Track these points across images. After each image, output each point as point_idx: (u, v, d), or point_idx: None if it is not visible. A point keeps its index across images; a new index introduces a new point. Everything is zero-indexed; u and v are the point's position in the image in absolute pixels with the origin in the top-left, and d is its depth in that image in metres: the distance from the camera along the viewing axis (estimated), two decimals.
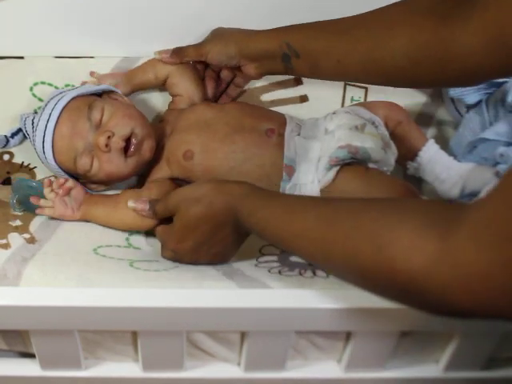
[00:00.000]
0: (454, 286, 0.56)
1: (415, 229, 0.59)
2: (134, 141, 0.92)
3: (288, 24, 0.94)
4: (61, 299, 0.77)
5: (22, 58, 1.13)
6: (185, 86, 1.03)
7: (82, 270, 0.84)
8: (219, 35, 0.99)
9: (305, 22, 0.93)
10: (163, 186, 0.94)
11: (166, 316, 0.79)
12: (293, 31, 0.92)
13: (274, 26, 1.07)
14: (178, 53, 1.01)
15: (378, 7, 0.86)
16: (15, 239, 0.90)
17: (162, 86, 1.06)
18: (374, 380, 0.92)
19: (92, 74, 1.07)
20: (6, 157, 1.03)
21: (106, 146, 0.90)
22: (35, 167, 1.01)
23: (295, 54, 0.91)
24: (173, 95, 1.04)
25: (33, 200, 0.93)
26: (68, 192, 0.93)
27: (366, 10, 0.88)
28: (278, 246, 0.81)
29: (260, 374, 0.90)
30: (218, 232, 0.83)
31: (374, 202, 0.69)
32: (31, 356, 0.89)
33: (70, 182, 0.93)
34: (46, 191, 0.93)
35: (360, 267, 0.64)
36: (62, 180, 0.93)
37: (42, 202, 0.93)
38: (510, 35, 0.68)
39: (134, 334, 0.85)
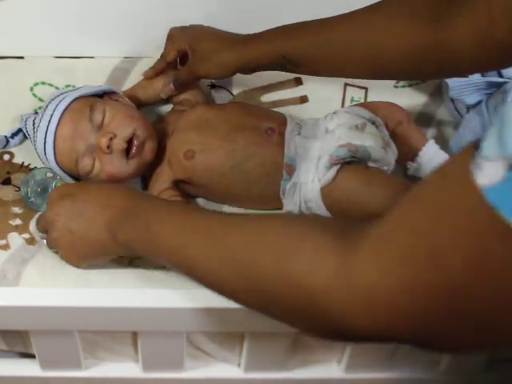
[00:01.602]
0: (350, 304, 0.53)
1: (317, 242, 0.56)
2: (135, 142, 0.92)
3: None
4: (60, 299, 0.77)
5: (22, 57, 1.13)
6: (191, 92, 1.03)
7: (82, 270, 0.84)
8: (210, 52, 0.97)
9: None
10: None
11: (166, 316, 0.79)
12: (288, 41, 0.91)
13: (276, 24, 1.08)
14: (179, 84, 1.01)
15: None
16: (15, 240, 0.90)
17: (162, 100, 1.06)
18: (374, 380, 0.92)
19: None
20: (6, 157, 1.02)
21: (108, 147, 0.90)
22: (35, 167, 1.01)
23: (293, 64, 0.91)
24: (177, 102, 1.04)
25: None
26: None
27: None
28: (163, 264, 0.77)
29: (260, 375, 0.90)
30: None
31: (275, 215, 0.67)
32: (31, 356, 0.89)
33: None
34: None
35: (255, 278, 0.60)
36: None
37: None
38: (500, 30, 0.69)
39: (134, 335, 0.85)
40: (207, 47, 0.97)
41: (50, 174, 0.97)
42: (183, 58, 1.03)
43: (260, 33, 0.94)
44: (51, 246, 0.85)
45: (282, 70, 0.95)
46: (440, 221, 0.49)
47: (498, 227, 0.44)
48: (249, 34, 0.96)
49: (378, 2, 0.85)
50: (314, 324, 0.58)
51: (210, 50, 0.97)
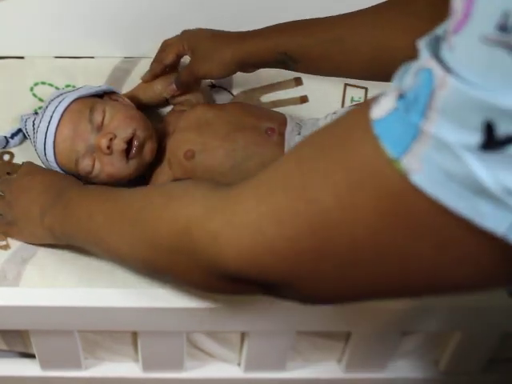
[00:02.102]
0: (223, 236, 0.52)
1: (206, 187, 0.59)
2: (135, 143, 0.92)
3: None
4: (60, 299, 0.77)
5: (22, 58, 1.13)
6: (189, 93, 1.03)
7: (82, 270, 0.84)
8: (209, 51, 0.97)
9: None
10: None
11: (166, 316, 0.79)
12: (288, 37, 0.91)
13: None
14: (181, 84, 1.01)
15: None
16: (15, 240, 0.90)
17: (164, 101, 1.06)
18: (374, 380, 0.92)
19: None
20: (6, 157, 1.02)
21: (108, 148, 0.90)
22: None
23: (293, 60, 0.91)
24: (176, 103, 1.04)
25: None
26: None
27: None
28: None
29: (260, 374, 0.90)
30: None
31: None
32: (31, 356, 0.89)
33: None
34: None
35: (146, 218, 0.62)
36: None
37: None
38: None
39: (134, 335, 0.85)
40: (207, 46, 0.97)
41: None
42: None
43: (260, 29, 0.94)
44: (7, 214, 0.88)
45: (282, 67, 0.95)
46: (322, 152, 0.47)
47: (375, 159, 0.42)
48: (248, 31, 0.95)
49: (380, 4, 0.85)
50: (187, 261, 0.57)
51: (209, 49, 0.96)
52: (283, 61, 0.92)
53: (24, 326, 0.81)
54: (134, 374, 0.90)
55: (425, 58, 0.41)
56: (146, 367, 0.88)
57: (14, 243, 0.89)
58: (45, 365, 0.88)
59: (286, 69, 0.95)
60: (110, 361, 0.89)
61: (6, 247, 0.89)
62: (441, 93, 0.39)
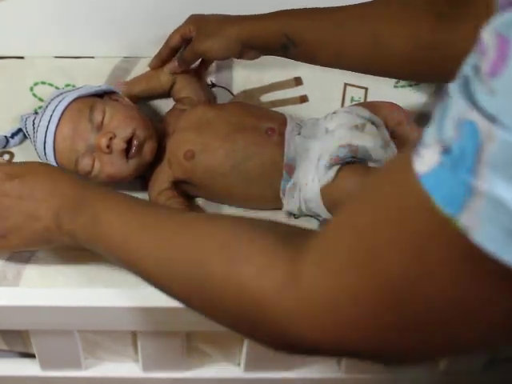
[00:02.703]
0: (298, 314, 0.51)
1: (266, 246, 0.55)
2: (135, 142, 0.92)
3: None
4: (60, 299, 0.77)
5: (22, 58, 1.13)
6: (193, 88, 1.04)
7: (82, 270, 0.84)
8: (214, 29, 0.97)
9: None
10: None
11: (166, 316, 0.79)
12: (291, 20, 0.91)
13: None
14: (183, 61, 1.01)
15: None
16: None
17: (166, 92, 1.06)
18: (374, 380, 0.92)
19: None
20: (6, 157, 1.03)
21: (108, 147, 0.90)
22: None
23: (293, 44, 0.91)
24: (178, 99, 1.04)
25: None
26: None
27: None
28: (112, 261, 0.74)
29: (260, 375, 0.90)
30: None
31: (225, 216, 0.65)
32: (31, 356, 0.89)
33: None
34: None
35: (205, 279, 0.58)
36: None
37: None
38: None
39: (134, 335, 0.85)
40: (212, 25, 0.97)
41: None
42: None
43: (266, 13, 0.95)
44: None
45: (282, 53, 0.95)
46: (378, 218, 0.46)
47: (433, 219, 0.41)
48: (254, 14, 0.96)
49: None
50: (260, 331, 0.56)
51: (214, 27, 0.97)
52: (285, 44, 0.92)
53: (24, 326, 0.81)
54: (133, 374, 0.89)
55: (463, 108, 0.39)
56: (146, 367, 0.88)
57: None
58: (45, 365, 0.88)
59: (285, 55, 0.95)
60: (110, 361, 0.89)
61: None
62: (489, 147, 0.37)
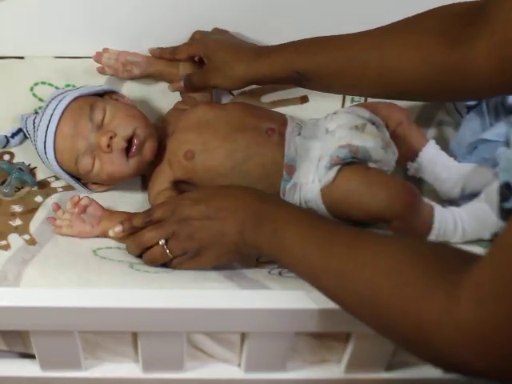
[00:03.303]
0: (456, 342, 0.56)
1: (429, 275, 0.60)
2: (135, 141, 0.92)
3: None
4: (61, 300, 0.77)
5: (22, 58, 1.13)
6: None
7: (82, 271, 0.84)
8: (223, 64, 0.98)
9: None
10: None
11: (166, 317, 0.79)
12: (301, 56, 0.92)
13: (273, 25, 1.08)
14: (190, 85, 1.03)
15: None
16: (15, 240, 0.90)
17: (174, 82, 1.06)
18: (374, 380, 0.92)
19: (105, 50, 1.07)
20: (7, 157, 1.03)
21: (108, 146, 0.90)
22: (35, 167, 1.01)
23: (306, 79, 0.93)
24: (182, 97, 1.04)
25: (49, 221, 0.92)
26: (84, 210, 0.91)
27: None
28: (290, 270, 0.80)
29: (260, 375, 0.90)
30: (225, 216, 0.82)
31: (390, 236, 0.72)
32: (31, 357, 0.89)
33: (85, 200, 0.92)
34: (59, 213, 0.92)
35: (373, 302, 0.64)
36: (76, 198, 0.92)
37: (58, 222, 0.92)
38: None
39: (134, 335, 0.85)
40: (221, 59, 0.99)
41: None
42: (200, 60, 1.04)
43: (274, 46, 0.96)
44: (179, 250, 0.84)
45: (295, 85, 0.97)
46: None
47: None
48: (263, 47, 0.97)
49: (395, 22, 0.86)
50: (425, 353, 0.61)
51: (223, 62, 0.98)
52: (297, 79, 0.94)
53: (24, 326, 0.81)
54: (134, 375, 0.89)
55: None
56: (146, 368, 0.88)
57: (15, 243, 0.89)
58: (45, 365, 0.87)
59: (297, 85, 0.97)
60: (110, 361, 0.89)
61: (7, 247, 0.89)
62: None
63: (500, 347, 0.53)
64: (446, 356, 0.58)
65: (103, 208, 0.93)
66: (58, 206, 0.92)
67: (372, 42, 0.87)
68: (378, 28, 0.87)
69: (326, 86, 0.94)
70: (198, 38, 1.06)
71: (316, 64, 0.91)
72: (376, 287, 0.64)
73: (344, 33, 0.91)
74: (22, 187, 0.98)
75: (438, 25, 0.81)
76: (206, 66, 1.00)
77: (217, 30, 1.09)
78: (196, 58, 1.05)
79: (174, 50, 1.05)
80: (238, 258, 0.86)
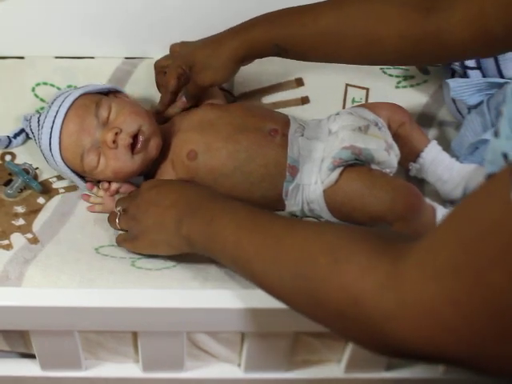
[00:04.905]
0: (397, 315, 0.53)
1: (369, 248, 0.58)
2: (141, 138, 0.92)
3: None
4: (61, 300, 0.77)
5: (22, 58, 1.13)
6: (210, 93, 1.04)
7: (84, 270, 0.84)
8: (206, 59, 0.96)
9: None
10: None
11: (166, 317, 0.79)
12: (279, 29, 0.91)
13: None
14: (190, 97, 1.01)
15: None
16: (17, 239, 0.90)
17: None
18: (374, 380, 0.92)
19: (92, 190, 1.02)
20: (8, 157, 1.03)
21: (114, 142, 0.91)
22: (37, 168, 1.01)
23: (284, 50, 0.92)
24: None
25: (83, 198, 0.97)
26: (115, 193, 0.96)
27: None
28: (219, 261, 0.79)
29: (260, 375, 0.90)
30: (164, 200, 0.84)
31: (325, 223, 0.70)
32: (32, 357, 0.89)
33: (115, 184, 0.96)
34: (94, 191, 0.97)
35: (310, 278, 0.61)
36: (106, 185, 0.96)
37: (92, 199, 0.97)
38: (491, 21, 0.71)
39: (135, 335, 0.85)
40: (202, 56, 0.97)
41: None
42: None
43: (250, 21, 0.94)
44: (123, 225, 0.88)
45: (276, 56, 0.95)
46: (483, 238, 0.48)
47: None
48: (237, 25, 0.95)
49: None
50: (359, 332, 0.58)
51: (206, 58, 0.96)
52: (276, 52, 0.93)
53: (26, 326, 0.81)
54: (134, 375, 0.90)
55: None
56: (146, 367, 0.88)
57: (17, 243, 0.89)
58: (45, 365, 0.88)
59: (277, 56, 0.95)
60: (111, 361, 0.89)
61: (9, 247, 0.89)
62: None
63: (442, 318, 0.50)
64: (381, 332, 0.54)
65: (134, 187, 0.96)
66: (92, 186, 0.97)
67: (346, 13, 0.86)
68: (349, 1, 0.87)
69: (303, 56, 0.93)
70: (171, 62, 1.02)
71: (292, 37, 0.90)
72: (314, 263, 0.61)
73: None
74: (25, 188, 0.98)
75: None
76: (192, 71, 0.98)
77: (175, 46, 1.07)
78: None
79: (167, 86, 1.01)
80: (168, 251, 0.85)
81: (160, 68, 1.05)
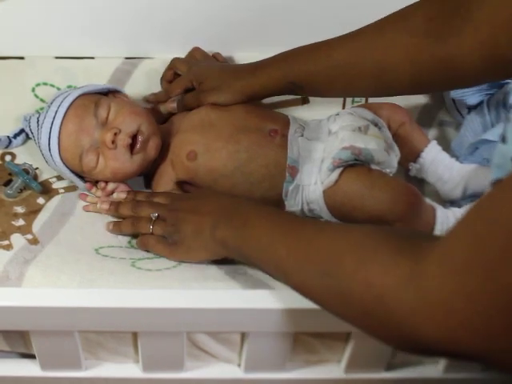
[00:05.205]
0: (419, 311, 0.55)
1: (393, 249, 0.60)
2: (140, 138, 0.92)
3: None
4: (61, 300, 0.77)
5: (22, 58, 1.13)
6: None
7: (84, 270, 0.84)
8: (218, 83, 0.98)
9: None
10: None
11: (166, 317, 0.79)
12: (295, 66, 0.92)
13: (274, 24, 1.08)
14: (183, 107, 1.02)
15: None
16: (17, 240, 0.90)
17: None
18: (374, 380, 0.92)
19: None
20: (8, 158, 1.03)
21: (113, 142, 0.91)
22: (37, 168, 1.01)
23: (300, 88, 0.94)
24: None
25: (81, 197, 0.97)
26: (110, 193, 0.96)
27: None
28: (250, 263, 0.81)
29: (260, 375, 0.90)
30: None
31: (352, 225, 0.71)
32: (32, 357, 0.89)
33: (112, 185, 0.96)
34: (93, 191, 0.97)
35: (338, 276, 0.64)
36: (103, 184, 0.96)
37: (89, 198, 0.97)
38: (502, 45, 0.71)
39: (135, 335, 0.85)
40: (215, 79, 0.99)
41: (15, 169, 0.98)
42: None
43: (267, 60, 0.96)
44: (160, 231, 0.87)
45: (292, 94, 0.98)
46: (500, 235, 0.50)
47: None
48: (255, 62, 0.97)
49: (378, 21, 0.87)
50: (383, 329, 0.60)
51: (218, 81, 0.98)
52: (292, 89, 0.95)
53: (26, 326, 0.81)
54: (134, 375, 0.89)
55: None
56: (146, 368, 0.88)
57: (17, 243, 0.89)
58: (45, 365, 0.88)
59: (293, 94, 0.98)
60: (111, 361, 0.89)
61: (9, 247, 0.89)
62: None
63: (457, 312, 0.52)
64: (405, 329, 0.57)
65: (131, 188, 0.96)
66: (91, 186, 0.97)
67: (360, 47, 0.87)
68: (365, 28, 0.88)
69: (319, 93, 0.96)
70: (185, 70, 1.04)
71: (307, 74, 0.92)
72: (342, 262, 0.63)
73: None
74: (25, 188, 0.98)
75: (423, 24, 0.81)
76: (200, 87, 1.00)
77: (197, 52, 1.09)
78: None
79: (170, 91, 1.04)
80: (205, 256, 0.86)
81: (173, 66, 1.06)
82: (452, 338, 0.54)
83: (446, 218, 0.92)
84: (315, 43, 0.92)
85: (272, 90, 0.96)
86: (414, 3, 0.84)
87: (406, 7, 0.85)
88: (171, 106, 1.02)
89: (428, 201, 0.93)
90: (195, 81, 1.00)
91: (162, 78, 1.08)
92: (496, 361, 0.54)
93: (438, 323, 0.54)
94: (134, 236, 0.93)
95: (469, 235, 0.53)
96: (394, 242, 0.61)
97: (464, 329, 0.52)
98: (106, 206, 0.94)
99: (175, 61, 1.07)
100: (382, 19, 0.86)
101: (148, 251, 0.90)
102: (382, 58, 0.85)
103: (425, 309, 0.55)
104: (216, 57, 1.10)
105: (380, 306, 0.59)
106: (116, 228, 0.92)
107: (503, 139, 0.56)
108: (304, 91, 0.95)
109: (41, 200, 0.97)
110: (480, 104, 1.02)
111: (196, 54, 1.08)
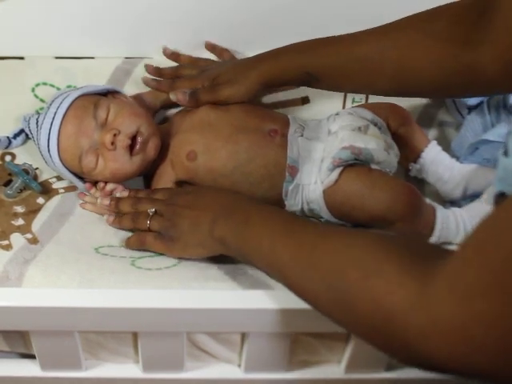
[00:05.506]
0: (429, 335, 0.54)
1: (401, 265, 0.59)
2: (139, 139, 0.92)
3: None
4: (62, 300, 0.77)
5: (22, 58, 1.13)
6: None
7: (84, 270, 0.84)
8: (233, 75, 0.96)
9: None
10: None
11: (166, 317, 0.79)
12: (312, 57, 0.91)
13: (274, 25, 1.08)
14: (195, 101, 0.98)
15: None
16: (17, 240, 0.90)
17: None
18: (374, 381, 0.92)
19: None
20: (8, 158, 1.03)
21: (112, 143, 0.91)
22: (37, 168, 1.01)
23: (316, 79, 0.92)
24: None
25: (79, 196, 0.97)
26: (109, 194, 0.95)
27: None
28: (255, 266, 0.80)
29: (260, 375, 0.90)
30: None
31: (360, 230, 0.70)
32: (32, 357, 0.89)
33: (111, 185, 0.95)
34: (92, 191, 0.97)
35: (342, 291, 0.62)
36: (101, 185, 0.96)
37: (87, 198, 0.97)
38: None
39: (135, 335, 0.85)
40: (230, 72, 0.97)
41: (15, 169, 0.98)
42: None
43: (282, 48, 0.95)
44: (157, 226, 0.87)
45: (303, 85, 0.97)
46: (509, 258, 0.49)
47: None
48: (269, 51, 0.96)
49: (402, 20, 0.86)
50: (390, 344, 0.59)
51: (233, 74, 0.97)
52: (307, 80, 0.93)
53: (26, 326, 0.81)
54: (134, 375, 0.89)
55: None
56: (146, 368, 0.88)
57: (16, 243, 0.89)
58: (45, 365, 0.88)
59: (307, 86, 0.96)
60: (111, 361, 0.89)
61: (8, 247, 0.89)
62: None
63: (473, 339, 0.52)
64: (415, 349, 0.56)
65: (130, 190, 0.96)
66: (91, 186, 0.96)
67: (382, 44, 0.87)
68: (387, 26, 0.87)
69: (336, 86, 0.95)
70: (196, 74, 1.03)
71: (325, 66, 0.91)
72: (346, 277, 0.62)
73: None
74: (25, 188, 0.98)
75: (447, 28, 0.81)
76: (215, 81, 0.97)
77: (226, 54, 1.10)
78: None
79: (179, 84, 1.01)
80: (202, 253, 0.86)
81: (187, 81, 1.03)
82: (469, 363, 0.53)
83: (446, 218, 0.92)
84: (333, 37, 0.91)
85: (287, 79, 0.95)
86: (439, 6, 0.84)
87: (431, 9, 0.84)
88: (182, 98, 0.97)
89: (428, 201, 0.93)
90: (207, 80, 0.99)
91: (162, 75, 1.07)
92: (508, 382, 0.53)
93: (453, 348, 0.53)
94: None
95: (480, 258, 0.52)
96: (399, 256, 0.60)
97: (482, 354, 0.52)
98: (106, 202, 0.94)
99: (181, 68, 1.07)
100: (405, 18, 0.86)
101: (144, 250, 0.89)
102: (404, 55, 0.84)
103: (436, 333, 0.54)
104: (223, 54, 1.11)
105: (389, 325, 0.58)
106: (116, 222, 0.92)
107: (505, 153, 0.56)
108: (319, 83, 0.93)
109: (40, 200, 0.97)
110: (480, 104, 1.02)
111: (202, 63, 1.08)
